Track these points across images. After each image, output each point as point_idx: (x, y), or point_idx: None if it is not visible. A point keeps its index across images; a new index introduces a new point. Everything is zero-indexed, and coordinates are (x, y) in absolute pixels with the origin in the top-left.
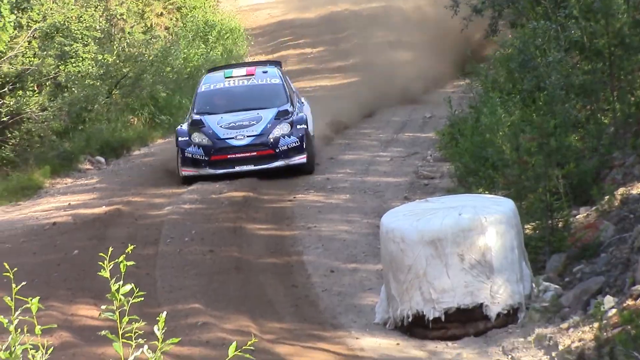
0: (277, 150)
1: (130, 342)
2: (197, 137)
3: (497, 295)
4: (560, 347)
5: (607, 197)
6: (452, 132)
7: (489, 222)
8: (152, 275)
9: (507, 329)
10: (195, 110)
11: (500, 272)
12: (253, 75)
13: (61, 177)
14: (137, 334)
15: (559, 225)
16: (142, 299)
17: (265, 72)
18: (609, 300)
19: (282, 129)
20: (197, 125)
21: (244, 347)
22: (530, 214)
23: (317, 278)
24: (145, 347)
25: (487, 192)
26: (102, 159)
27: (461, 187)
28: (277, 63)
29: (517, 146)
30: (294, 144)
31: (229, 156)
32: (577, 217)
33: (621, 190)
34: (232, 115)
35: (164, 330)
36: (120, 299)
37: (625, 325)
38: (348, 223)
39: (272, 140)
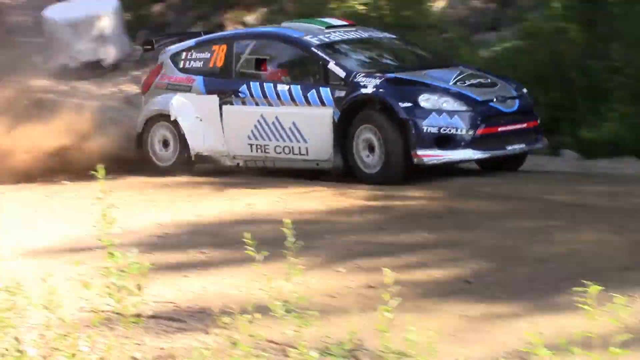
0: (540, 123)
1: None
2: (440, 101)
3: (109, 53)
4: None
5: None
6: None
7: (107, 13)
8: None
9: (114, 73)
10: (347, 67)
11: (111, 42)
12: (354, 25)
13: None
14: None
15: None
16: None
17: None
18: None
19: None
20: (413, 85)
21: None
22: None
23: None
24: None
25: None
26: None
27: None
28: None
29: None
30: (535, 119)
31: (499, 129)
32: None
33: None
34: (439, 73)
35: None
36: None
37: None
38: None
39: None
